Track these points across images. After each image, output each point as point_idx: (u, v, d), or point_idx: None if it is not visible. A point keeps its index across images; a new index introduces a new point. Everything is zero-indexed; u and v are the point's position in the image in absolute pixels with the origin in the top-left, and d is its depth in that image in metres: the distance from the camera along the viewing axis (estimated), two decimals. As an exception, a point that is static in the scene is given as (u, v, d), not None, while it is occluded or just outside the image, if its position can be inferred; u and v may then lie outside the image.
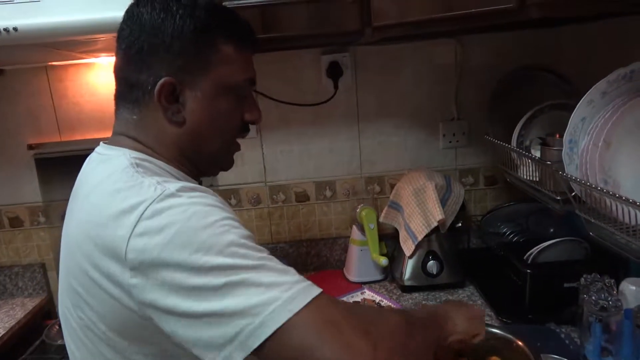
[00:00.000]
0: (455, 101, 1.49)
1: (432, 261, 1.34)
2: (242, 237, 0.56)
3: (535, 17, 0.80)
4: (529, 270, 1.16)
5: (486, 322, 1.06)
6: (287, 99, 1.45)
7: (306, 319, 0.52)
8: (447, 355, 0.90)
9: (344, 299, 1.34)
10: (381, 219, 1.43)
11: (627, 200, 0.79)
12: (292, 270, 0.57)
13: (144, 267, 0.54)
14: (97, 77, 1.43)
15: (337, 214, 1.55)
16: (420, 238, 1.31)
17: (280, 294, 0.52)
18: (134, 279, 0.54)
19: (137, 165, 0.62)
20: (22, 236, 1.51)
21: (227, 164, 0.82)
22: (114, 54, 0.72)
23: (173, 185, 0.58)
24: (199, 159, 0.74)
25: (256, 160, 1.50)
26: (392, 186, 1.47)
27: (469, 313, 0.82)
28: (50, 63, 1.40)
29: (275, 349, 0.53)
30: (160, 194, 0.56)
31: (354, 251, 1.44)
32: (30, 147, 1.44)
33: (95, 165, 0.67)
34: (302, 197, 1.53)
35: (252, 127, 1.48)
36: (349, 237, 1.47)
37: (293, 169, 1.51)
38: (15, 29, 0.92)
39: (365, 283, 1.42)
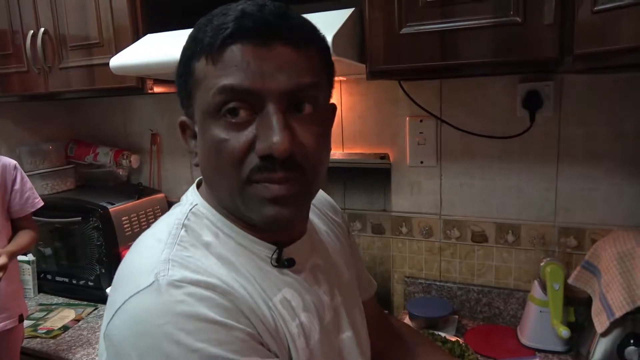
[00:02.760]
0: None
1: (632, 347, 1.05)
2: None
3: None
4: None
5: None
6: (473, 129, 1.33)
7: None
8: None
9: (509, 364, 1.16)
10: (570, 281, 1.19)
11: None
12: None
13: None
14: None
15: (519, 263, 1.35)
16: (618, 315, 1.04)
17: None
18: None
19: (184, 226, 0.56)
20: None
21: (260, 215, 0.55)
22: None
23: (174, 272, 0.50)
24: (229, 208, 0.58)
25: (433, 191, 1.42)
26: (594, 243, 1.21)
27: None
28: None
29: None
30: (147, 285, 0.50)
31: (532, 310, 1.23)
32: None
33: (173, 207, 0.64)
34: (479, 238, 1.38)
35: (432, 155, 1.42)
36: (529, 292, 1.27)
37: (472, 205, 1.38)
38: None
39: (540, 351, 1.21)
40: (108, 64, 1.23)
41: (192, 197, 0.62)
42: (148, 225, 1.71)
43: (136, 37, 1.33)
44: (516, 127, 1.28)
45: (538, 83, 1.24)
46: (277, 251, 0.59)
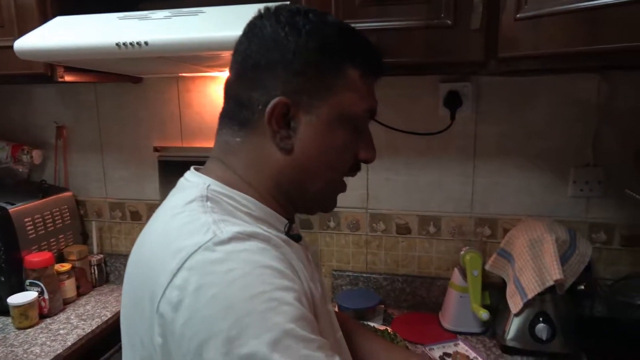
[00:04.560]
0: (592, 145, 1.30)
1: (542, 324, 1.17)
2: (291, 320, 0.47)
3: None
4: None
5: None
6: (398, 126, 1.38)
7: None
8: None
9: (436, 348, 1.23)
10: (487, 267, 1.29)
11: None
12: None
13: (169, 330, 0.48)
14: (220, 90, 1.50)
15: (440, 253, 1.44)
16: (530, 296, 1.15)
17: None
18: (159, 338, 0.49)
19: (208, 199, 0.57)
20: (139, 229, 1.64)
21: (330, 205, 0.70)
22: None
23: (229, 228, 0.52)
24: (299, 196, 0.64)
25: (359, 185, 1.45)
26: (506, 232, 1.32)
27: None
28: (180, 74, 1.51)
29: None
30: (208, 241, 0.50)
31: (453, 296, 1.32)
32: (156, 149, 1.57)
33: (175, 192, 0.64)
34: (404, 230, 1.45)
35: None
36: (450, 279, 1.35)
37: (397, 199, 1.44)
38: (146, 43, 0.99)
39: (461, 333, 1.29)
40: (11, 47, 1.10)
41: (198, 179, 0.62)
42: (55, 228, 1.58)
43: (44, 18, 1.20)
44: (438, 125, 1.35)
45: (457, 83, 1.32)
46: (287, 225, 0.65)
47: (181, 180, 0.65)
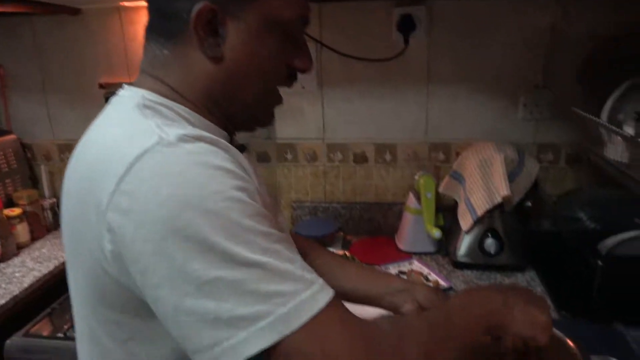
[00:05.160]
0: (543, 68, 1.32)
1: (491, 239, 1.23)
2: (248, 217, 0.46)
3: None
4: (600, 262, 1.03)
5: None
6: (352, 53, 1.36)
7: (299, 344, 0.44)
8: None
9: (392, 267, 1.28)
10: (440, 189, 1.33)
11: None
12: (297, 266, 0.47)
13: (119, 236, 0.46)
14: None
15: (396, 179, 1.47)
16: (480, 213, 1.20)
17: (272, 309, 0.43)
18: (109, 245, 0.47)
19: (146, 107, 0.54)
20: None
21: (266, 118, 0.67)
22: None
23: (174, 131, 0.49)
24: (232, 108, 0.62)
25: (315, 116, 1.45)
26: (458, 155, 1.35)
27: (534, 317, 0.65)
28: (122, 4, 1.42)
29: None
30: (155, 144, 0.47)
31: (408, 219, 1.36)
32: (101, 86, 1.50)
33: (107, 108, 0.60)
34: (360, 159, 1.46)
35: (313, 81, 1.44)
36: (405, 204, 1.39)
37: (353, 128, 1.44)
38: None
39: (416, 253, 1.35)
40: None
41: (131, 92, 0.58)
42: (0, 172, 1.51)
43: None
44: (391, 51, 1.34)
45: (411, 7, 1.30)
46: (229, 138, 0.63)
47: (112, 98, 0.62)
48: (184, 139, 0.49)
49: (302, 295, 0.45)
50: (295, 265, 0.47)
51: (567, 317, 1.05)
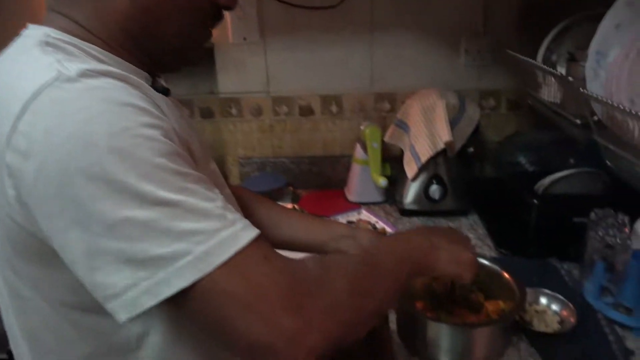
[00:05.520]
0: (482, 13, 1.32)
1: (435, 185, 1.25)
2: (160, 155, 0.43)
3: None
4: (535, 201, 1.07)
5: (480, 255, 0.99)
6: (294, 1, 1.31)
7: (221, 282, 0.42)
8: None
9: (340, 218, 1.29)
10: (386, 139, 1.33)
11: (652, 122, 0.67)
12: (218, 206, 0.45)
13: (20, 180, 0.43)
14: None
15: (343, 131, 1.46)
16: (424, 160, 1.22)
17: (191, 248, 0.41)
18: (11, 190, 0.44)
19: (48, 44, 0.49)
20: None
21: (193, 56, 0.62)
22: None
23: (76, 66, 0.45)
24: (153, 46, 0.57)
25: (259, 68, 1.40)
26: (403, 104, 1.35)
27: (458, 256, 0.68)
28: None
29: (182, 312, 0.44)
30: (54, 79, 0.43)
31: (356, 170, 1.37)
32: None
33: (7, 48, 0.54)
34: (307, 111, 1.44)
35: (255, 31, 1.39)
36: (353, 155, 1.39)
37: (298, 80, 1.41)
38: None
39: (365, 204, 1.36)
40: None
41: (35, 30, 0.53)
42: None
43: None
44: (334, -3, 1.30)
45: (351, -50, 1.26)
46: (150, 79, 0.59)
47: (15, 39, 0.56)
48: (87, 74, 0.44)
49: (223, 233, 0.43)
50: (215, 204, 0.45)
51: (506, 254, 1.10)
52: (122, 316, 0.42)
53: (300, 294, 0.45)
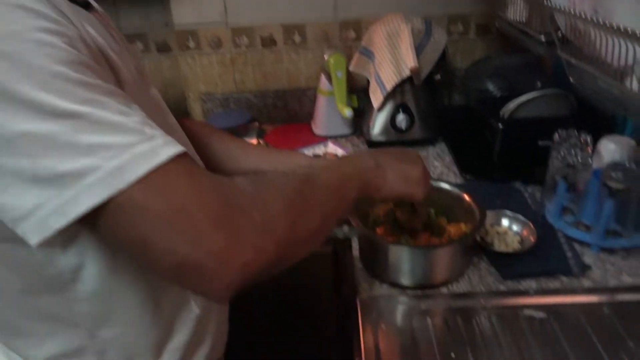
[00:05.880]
0: None
1: (402, 115, 1.23)
2: (60, 63, 0.38)
3: None
4: (500, 125, 1.05)
5: (443, 180, 0.99)
6: None
7: (137, 198, 0.38)
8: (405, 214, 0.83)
9: (306, 151, 1.26)
10: (351, 68, 1.28)
11: (616, 29, 0.64)
12: (134, 120, 0.41)
13: None
14: None
15: (308, 62, 1.40)
16: (389, 88, 1.18)
17: (101, 163, 0.38)
18: None
19: None
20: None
21: None
22: None
23: None
24: None
25: (215, -4, 1.32)
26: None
27: (407, 174, 0.67)
28: None
29: (103, 235, 0.41)
30: None
31: (321, 102, 1.32)
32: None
33: None
34: (269, 42, 1.37)
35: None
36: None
37: (258, 8, 1.33)
38: None
39: (331, 137, 1.33)
40: None
41: None
42: None
43: None
44: None
45: None
46: None
47: None
48: None
49: (139, 148, 0.39)
50: (130, 118, 0.41)
51: (471, 180, 1.10)
52: (33, 239, 0.39)
53: (230, 210, 0.42)
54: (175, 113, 0.68)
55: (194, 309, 0.61)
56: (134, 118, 0.41)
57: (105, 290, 0.52)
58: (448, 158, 1.21)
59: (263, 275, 0.44)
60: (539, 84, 1.19)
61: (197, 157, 0.72)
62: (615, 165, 0.85)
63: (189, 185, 0.41)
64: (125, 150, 0.39)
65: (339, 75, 1.25)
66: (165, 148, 0.41)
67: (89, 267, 0.49)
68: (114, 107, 0.40)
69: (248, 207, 0.43)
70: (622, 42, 0.65)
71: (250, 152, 0.87)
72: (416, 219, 0.82)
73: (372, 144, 1.27)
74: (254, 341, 1.12)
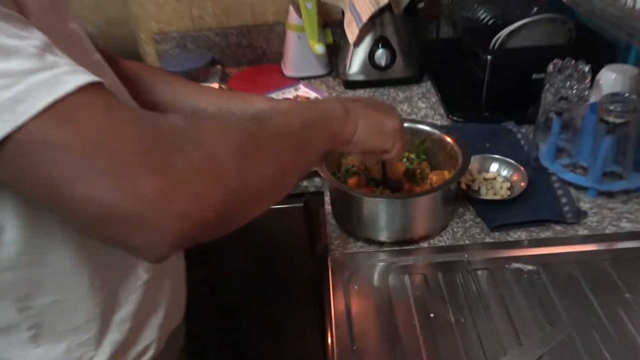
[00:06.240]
0: None
1: (381, 50, 1.09)
2: None
3: None
4: (489, 57, 0.93)
5: (428, 121, 0.88)
6: None
7: (41, 133, 0.32)
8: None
9: (274, 95, 1.13)
10: (322, -3, 1.14)
11: None
12: (33, 44, 0.34)
13: None
14: None
15: (275, -7, 1.24)
16: (365, 19, 1.04)
17: None
18: None
19: None
20: None
21: None
22: None
23: None
24: None
25: None
26: (341, -46, 1.14)
27: (381, 125, 0.59)
28: None
29: (8, 182, 0.36)
30: None
31: (291, 39, 1.18)
32: None
33: None
34: (229, -30, 1.21)
35: None
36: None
37: None
38: None
39: (304, 78, 1.20)
40: None
41: None
42: None
43: None
44: None
45: None
46: None
47: None
48: None
49: (38, 76, 0.33)
50: (28, 42, 0.34)
51: (459, 121, 0.99)
52: None
53: (160, 146, 0.35)
54: (125, 57, 0.57)
55: (142, 274, 0.54)
56: (33, 42, 0.34)
57: (32, 256, 0.45)
58: (434, 98, 1.09)
59: (213, 232, 0.38)
60: (535, 9, 1.06)
61: (133, 103, 0.61)
62: (613, 97, 0.74)
63: (106, 118, 0.34)
64: (21, 78, 0.32)
65: (309, 6, 1.10)
66: (72, 76, 0.34)
67: (9, 230, 0.42)
68: (5, 29, 0.33)
69: (183, 144, 0.36)
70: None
71: (202, 96, 0.74)
72: (385, 172, 0.72)
73: (349, 85, 1.15)
74: (220, 306, 1.05)
